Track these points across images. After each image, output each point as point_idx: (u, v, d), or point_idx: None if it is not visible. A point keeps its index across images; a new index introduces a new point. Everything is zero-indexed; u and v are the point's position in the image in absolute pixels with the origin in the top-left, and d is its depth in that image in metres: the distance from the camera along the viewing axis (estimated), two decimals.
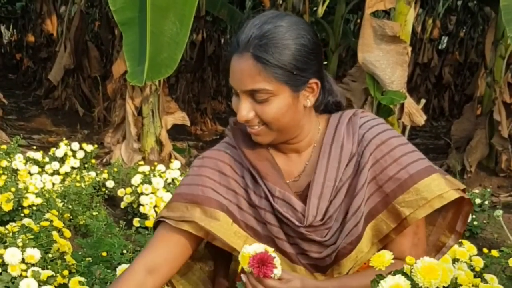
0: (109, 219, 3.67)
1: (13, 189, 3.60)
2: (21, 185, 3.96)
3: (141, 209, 4.07)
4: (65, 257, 2.94)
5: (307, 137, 1.87)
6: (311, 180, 1.83)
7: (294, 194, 1.83)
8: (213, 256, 2.07)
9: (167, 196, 4.09)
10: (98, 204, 4.16)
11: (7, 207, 3.53)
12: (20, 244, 2.67)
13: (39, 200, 3.60)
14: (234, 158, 1.90)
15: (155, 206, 4.06)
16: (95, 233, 3.15)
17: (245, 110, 1.74)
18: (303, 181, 1.87)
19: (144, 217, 4.04)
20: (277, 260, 1.63)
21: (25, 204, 3.56)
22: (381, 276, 1.49)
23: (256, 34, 1.71)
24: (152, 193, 4.13)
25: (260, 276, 1.62)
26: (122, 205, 4.29)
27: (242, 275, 1.68)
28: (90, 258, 2.91)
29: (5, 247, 2.69)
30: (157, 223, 1.90)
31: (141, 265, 1.82)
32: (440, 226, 1.97)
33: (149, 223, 3.15)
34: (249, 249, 1.63)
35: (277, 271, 1.63)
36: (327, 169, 1.82)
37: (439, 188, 1.75)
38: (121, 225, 3.50)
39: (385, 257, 1.52)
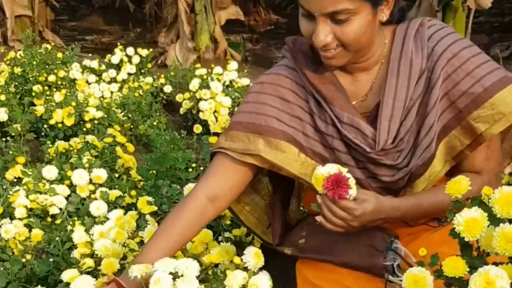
0: (170, 132, 3.64)
1: (73, 104, 3.60)
2: (80, 96, 3.96)
3: (201, 115, 4.04)
4: (130, 172, 2.96)
5: (375, 54, 1.76)
6: (380, 101, 1.74)
7: (362, 118, 1.75)
8: (273, 182, 2.03)
9: (226, 101, 4.04)
10: (157, 112, 4.15)
11: (69, 122, 3.55)
12: (87, 165, 2.68)
13: (99, 114, 3.59)
14: (295, 82, 1.82)
15: (214, 111, 4.02)
16: (158, 149, 3.14)
17: (323, 34, 1.62)
18: (371, 100, 1.79)
19: (204, 123, 4.01)
20: (352, 180, 1.59)
21: (86, 118, 3.56)
22: (457, 203, 1.41)
23: None
24: (211, 98, 4.07)
25: (335, 198, 1.58)
26: (181, 111, 4.26)
27: (318, 196, 1.64)
28: (155, 171, 2.90)
29: (72, 168, 2.72)
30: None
31: (203, 193, 1.81)
32: None
33: (212, 139, 3.10)
34: (323, 170, 1.60)
35: (352, 192, 1.59)
36: (396, 89, 1.73)
37: None
38: (182, 134, 3.47)
39: (461, 184, 1.41)
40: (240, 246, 2.33)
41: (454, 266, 1.30)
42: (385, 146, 1.73)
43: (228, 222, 2.38)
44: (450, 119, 1.71)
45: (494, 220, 1.32)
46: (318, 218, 1.65)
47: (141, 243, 2.16)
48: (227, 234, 2.32)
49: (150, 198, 2.50)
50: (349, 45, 1.65)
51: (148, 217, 2.36)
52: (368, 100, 1.79)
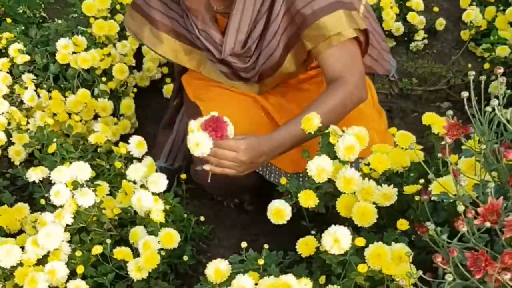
0: None
1: None
2: None
3: None
4: None
5: None
6: (230, 14, 1.93)
7: (215, 28, 1.96)
8: None
9: None
10: None
11: None
12: None
13: None
14: None
15: None
16: None
17: None
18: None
19: None
20: (227, 119, 1.69)
21: None
22: (311, 134, 1.70)
23: None
24: None
25: (218, 137, 1.65)
26: None
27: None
28: None
29: None
30: None
31: None
32: None
33: None
34: (195, 122, 1.67)
35: (231, 129, 1.68)
36: (244, 4, 1.90)
37: (338, 26, 1.83)
38: None
39: (313, 121, 1.69)
40: (116, 97, 2.55)
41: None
42: (234, 52, 1.96)
43: (99, 72, 2.54)
44: (293, 34, 1.90)
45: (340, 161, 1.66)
46: (206, 167, 1.74)
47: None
48: (102, 87, 2.50)
49: (21, 46, 2.56)
50: None
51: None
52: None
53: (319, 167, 1.63)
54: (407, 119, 2.59)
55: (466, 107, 1.34)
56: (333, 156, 1.66)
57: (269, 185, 2.19)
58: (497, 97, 1.31)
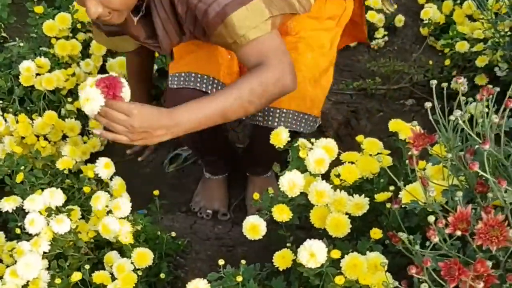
0: None
1: None
2: None
3: None
4: None
5: None
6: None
7: (153, 42, 1.92)
8: None
9: None
10: None
11: None
12: None
13: None
14: None
15: None
16: None
17: (93, 7, 1.68)
18: None
19: None
20: (124, 81, 1.63)
21: None
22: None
23: None
24: None
25: (109, 95, 1.60)
26: None
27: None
28: None
29: None
30: None
31: None
32: None
33: None
34: (92, 79, 1.64)
35: (126, 91, 1.63)
36: (160, 19, 1.84)
37: (240, 29, 1.71)
38: None
39: (282, 136, 1.73)
40: (83, 116, 2.54)
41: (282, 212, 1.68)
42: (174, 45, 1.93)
43: (65, 92, 2.53)
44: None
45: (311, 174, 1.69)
46: (98, 131, 1.70)
47: None
48: (69, 107, 2.49)
49: None
50: (120, 10, 1.72)
51: None
52: None
53: (290, 182, 1.66)
54: (373, 119, 2.62)
55: (430, 116, 1.37)
56: (303, 169, 1.69)
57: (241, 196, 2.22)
58: (459, 107, 1.34)
